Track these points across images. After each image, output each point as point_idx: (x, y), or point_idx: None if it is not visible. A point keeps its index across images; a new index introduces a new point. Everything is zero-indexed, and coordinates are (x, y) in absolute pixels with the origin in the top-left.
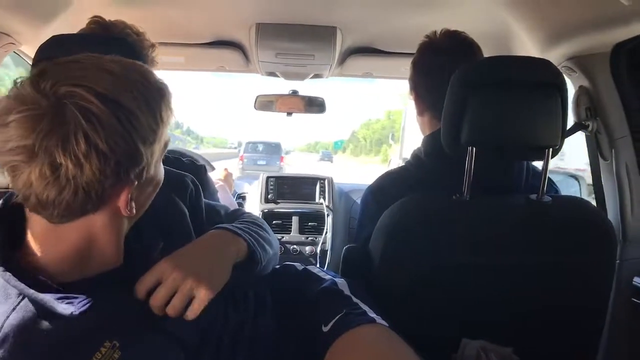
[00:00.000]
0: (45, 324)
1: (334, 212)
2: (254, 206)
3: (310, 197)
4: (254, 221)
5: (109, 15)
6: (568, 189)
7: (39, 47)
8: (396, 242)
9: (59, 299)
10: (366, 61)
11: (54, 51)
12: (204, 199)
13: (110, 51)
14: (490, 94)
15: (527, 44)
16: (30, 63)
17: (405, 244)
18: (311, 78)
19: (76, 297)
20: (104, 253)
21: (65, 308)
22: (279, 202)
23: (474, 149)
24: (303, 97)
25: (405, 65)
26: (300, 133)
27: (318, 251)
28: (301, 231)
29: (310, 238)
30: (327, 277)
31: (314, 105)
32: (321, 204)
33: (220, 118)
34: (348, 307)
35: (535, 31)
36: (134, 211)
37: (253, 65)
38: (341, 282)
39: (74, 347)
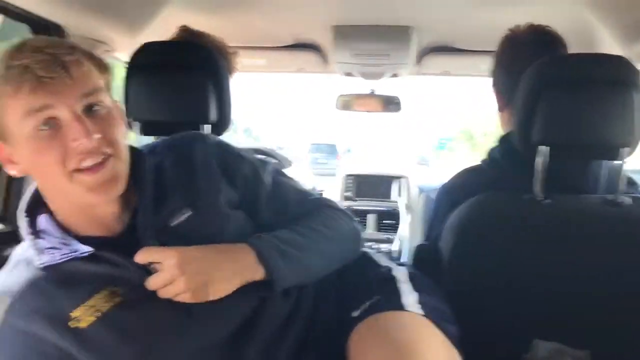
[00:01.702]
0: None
1: (412, 210)
2: None
3: (387, 195)
4: (314, 226)
5: (195, 22)
6: None
7: (133, 53)
8: (465, 241)
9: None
10: (443, 60)
11: (146, 57)
12: (281, 178)
13: (194, 58)
14: (563, 92)
15: (609, 40)
16: (125, 67)
17: (473, 243)
18: (390, 77)
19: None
20: (89, 216)
21: (42, 257)
22: (356, 200)
23: (546, 148)
24: (380, 97)
25: (485, 62)
26: (385, 133)
27: (394, 249)
28: (378, 228)
29: (386, 236)
30: (385, 264)
31: (391, 104)
32: (396, 202)
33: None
34: (386, 294)
35: (616, 27)
36: (20, 172)
37: (331, 66)
38: (399, 270)
39: (72, 284)
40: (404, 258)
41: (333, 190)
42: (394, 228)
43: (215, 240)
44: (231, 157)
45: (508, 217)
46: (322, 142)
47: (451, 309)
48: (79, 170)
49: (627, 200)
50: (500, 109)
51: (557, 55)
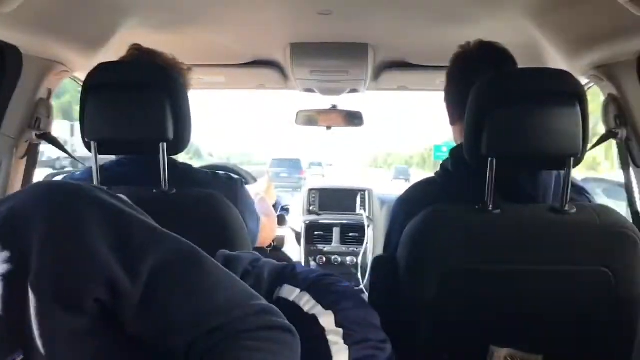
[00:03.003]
0: None
1: (375, 222)
2: (297, 218)
3: (351, 209)
4: None
5: (151, 41)
6: (617, 196)
7: (88, 73)
8: (420, 252)
9: None
10: (400, 75)
11: (101, 77)
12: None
13: (151, 76)
14: (510, 106)
15: (554, 55)
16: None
17: (428, 253)
18: (348, 93)
19: None
20: None
21: None
22: (321, 214)
23: (495, 160)
24: (342, 111)
25: (441, 78)
26: (361, 145)
27: (359, 261)
28: (342, 242)
29: (351, 248)
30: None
31: (354, 118)
32: (361, 214)
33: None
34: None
35: (561, 42)
36: None
37: (291, 82)
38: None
39: None
40: (369, 270)
41: (297, 205)
42: (358, 241)
43: None
44: None
45: (460, 227)
46: (285, 157)
47: (409, 318)
48: None
49: (571, 208)
50: (453, 123)
51: (504, 71)
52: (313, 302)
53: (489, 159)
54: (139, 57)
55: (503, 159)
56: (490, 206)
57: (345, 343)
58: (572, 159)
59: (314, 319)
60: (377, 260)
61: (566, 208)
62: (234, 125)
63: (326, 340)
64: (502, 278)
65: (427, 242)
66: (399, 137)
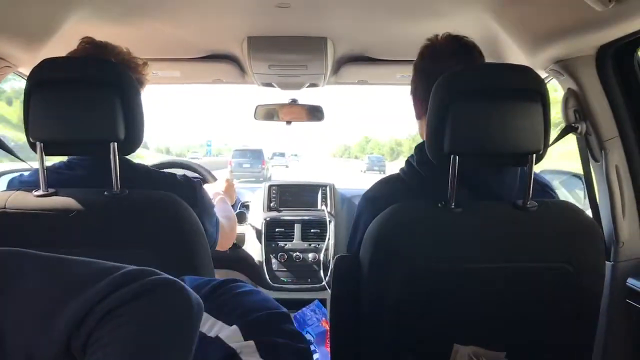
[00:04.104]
0: None
1: (337, 218)
2: (257, 215)
3: (313, 204)
4: None
5: (102, 34)
6: (572, 188)
7: (32, 70)
8: (383, 250)
9: None
10: (360, 69)
11: (46, 73)
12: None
13: (99, 73)
14: (471, 102)
15: (515, 50)
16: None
17: (391, 252)
18: (307, 87)
19: None
20: None
21: None
22: (281, 210)
23: (457, 157)
24: (302, 106)
25: (401, 72)
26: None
27: (321, 258)
28: (304, 238)
29: (313, 245)
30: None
31: (314, 112)
32: (323, 210)
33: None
34: None
35: (521, 37)
36: None
37: (249, 76)
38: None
39: None
40: (330, 266)
41: (257, 202)
42: (320, 237)
43: None
44: None
45: (421, 225)
46: (246, 147)
47: (373, 318)
48: None
49: (533, 204)
50: (418, 117)
51: (465, 67)
52: (235, 335)
53: (451, 156)
54: (90, 51)
55: (465, 156)
56: (453, 204)
57: None
58: (534, 155)
59: (231, 354)
60: (339, 260)
61: (528, 205)
62: (193, 117)
63: None
64: (466, 276)
65: (390, 241)
66: (380, 121)
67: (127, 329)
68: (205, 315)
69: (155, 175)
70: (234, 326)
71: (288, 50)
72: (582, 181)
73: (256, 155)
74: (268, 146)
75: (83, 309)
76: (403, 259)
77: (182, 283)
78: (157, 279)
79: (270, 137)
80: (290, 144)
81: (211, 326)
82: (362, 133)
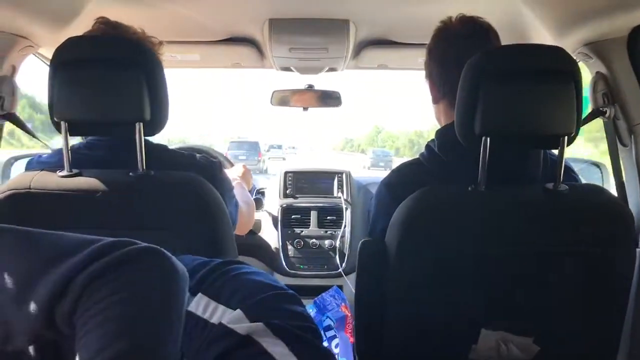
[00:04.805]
0: None
1: (352, 205)
2: (274, 201)
3: (329, 191)
4: None
5: (122, 15)
6: (590, 176)
7: (56, 49)
8: (412, 235)
9: None
10: (381, 53)
11: (71, 53)
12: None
13: (125, 52)
14: (503, 83)
15: (542, 32)
16: (48, 64)
17: (420, 237)
18: (326, 72)
19: None
20: None
21: None
22: (297, 197)
23: (488, 139)
24: (318, 92)
25: (422, 55)
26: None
27: (337, 245)
28: (320, 225)
29: (329, 232)
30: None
31: (330, 98)
32: (339, 197)
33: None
34: None
35: (549, 18)
36: None
37: (268, 60)
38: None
39: None
40: (346, 252)
41: (273, 188)
42: (336, 224)
43: None
44: None
45: (452, 209)
46: (243, 139)
47: (400, 303)
48: None
49: (564, 187)
50: (435, 101)
51: (496, 47)
52: (230, 318)
53: (483, 138)
54: (106, 31)
55: (496, 138)
56: (484, 187)
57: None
58: (565, 137)
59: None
60: (364, 244)
61: (559, 188)
62: (190, 107)
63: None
64: (496, 259)
65: (419, 226)
66: (395, 111)
67: (114, 298)
68: (205, 299)
69: (175, 155)
70: (238, 310)
71: (310, 33)
72: (600, 169)
73: (252, 147)
74: (264, 138)
75: (66, 277)
76: (433, 242)
77: (166, 252)
78: (140, 247)
79: (267, 129)
80: (288, 135)
81: (213, 311)
82: (372, 123)
